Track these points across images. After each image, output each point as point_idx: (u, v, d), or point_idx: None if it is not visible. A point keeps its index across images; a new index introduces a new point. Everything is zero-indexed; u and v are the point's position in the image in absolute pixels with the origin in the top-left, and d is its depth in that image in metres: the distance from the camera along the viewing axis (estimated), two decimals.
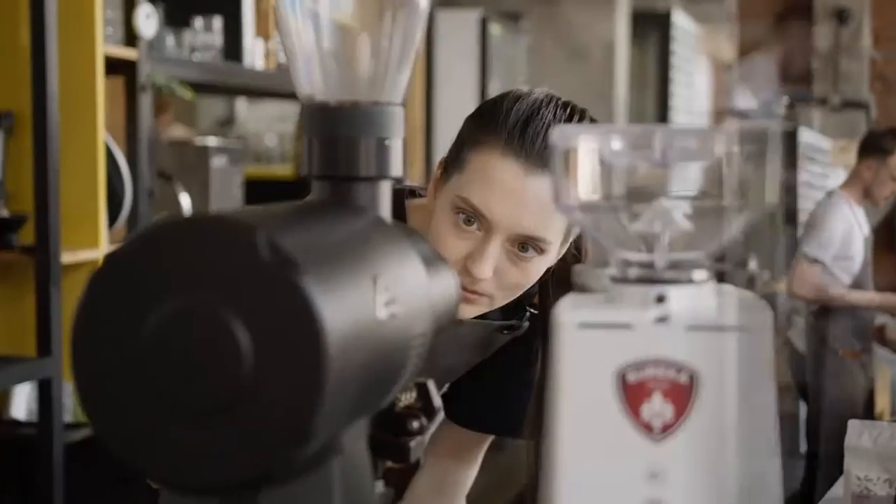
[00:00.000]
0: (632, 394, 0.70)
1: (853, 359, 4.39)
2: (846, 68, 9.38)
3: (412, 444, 0.82)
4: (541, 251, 1.26)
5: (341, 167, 0.84)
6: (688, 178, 0.76)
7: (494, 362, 1.44)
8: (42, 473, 2.42)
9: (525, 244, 1.25)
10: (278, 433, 0.63)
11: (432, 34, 4.74)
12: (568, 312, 0.73)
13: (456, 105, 5.32)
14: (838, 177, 8.43)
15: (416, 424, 0.83)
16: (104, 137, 2.59)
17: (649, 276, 0.73)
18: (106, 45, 2.62)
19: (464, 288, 1.25)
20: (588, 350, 0.72)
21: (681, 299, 0.72)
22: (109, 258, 0.65)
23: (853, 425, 2.00)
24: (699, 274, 0.73)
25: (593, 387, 0.71)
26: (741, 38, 9.87)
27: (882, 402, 4.74)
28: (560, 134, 0.74)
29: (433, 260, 0.89)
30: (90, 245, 2.58)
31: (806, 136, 7.12)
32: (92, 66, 2.54)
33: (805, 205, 7.18)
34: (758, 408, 0.70)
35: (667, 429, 0.70)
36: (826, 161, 7.69)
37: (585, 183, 0.75)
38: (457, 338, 1.40)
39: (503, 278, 1.26)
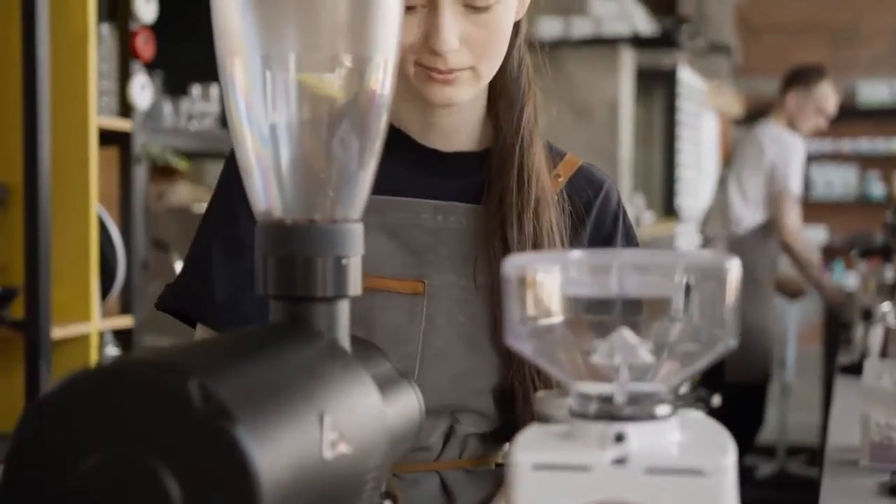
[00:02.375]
0: None
1: (770, 288, 4.45)
2: (711, 11, 9.44)
3: None
4: None
5: (298, 287, 0.81)
6: (650, 309, 0.73)
7: None
8: None
9: None
10: None
11: None
12: (524, 451, 0.70)
13: None
14: (710, 117, 8.55)
15: None
16: (97, 209, 2.58)
17: (608, 412, 0.70)
18: (100, 117, 2.61)
19: (438, 70, 1.16)
20: (544, 492, 0.69)
21: (641, 436, 0.69)
22: (38, 406, 0.62)
23: (871, 365, 1.80)
24: (661, 409, 0.71)
25: None
26: (748, 92, 9.93)
27: None
28: (512, 263, 0.71)
29: (392, 380, 0.86)
30: (82, 319, 2.56)
31: (683, 75, 7.17)
32: (85, 138, 2.53)
33: (683, 145, 7.27)
34: None
35: None
36: (699, 101, 7.79)
37: (539, 312, 0.72)
38: None
39: (472, 43, 1.16)
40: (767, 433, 6.12)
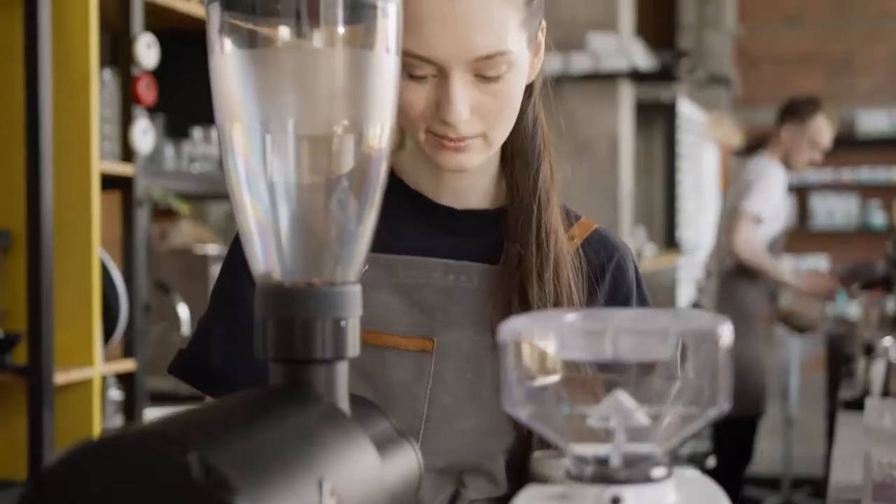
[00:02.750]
0: None
1: (765, 323, 4.38)
2: (710, 43, 9.50)
3: None
4: (508, 65, 1.14)
5: (297, 350, 0.82)
6: (644, 372, 0.74)
7: None
8: None
9: (486, 65, 1.12)
10: None
11: None
12: None
13: None
14: (710, 149, 8.61)
15: None
16: (99, 254, 2.59)
17: (604, 475, 0.71)
18: (103, 162, 2.63)
19: (450, 138, 1.15)
20: None
21: (638, 499, 0.70)
22: (39, 477, 0.63)
23: (872, 404, 1.80)
24: (657, 471, 0.71)
25: None
26: (748, 122, 9.97)
27: None
28: (508, 328, 0.72)
29: (391, 440, 0.86)
30: (85, 363, 2.56)
31: (683, 108, 7.20)
32: (88, 183, 2.55)
33: (683, 177, 7.30)
34: None
35: None
36: (699, 132, 7.83)
37: (535, 375, 0.73)
38: None
39: (483, 111, 1.15)
40: (772, 465, 6.10)
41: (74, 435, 2.56)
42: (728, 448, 4.41)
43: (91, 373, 2.57)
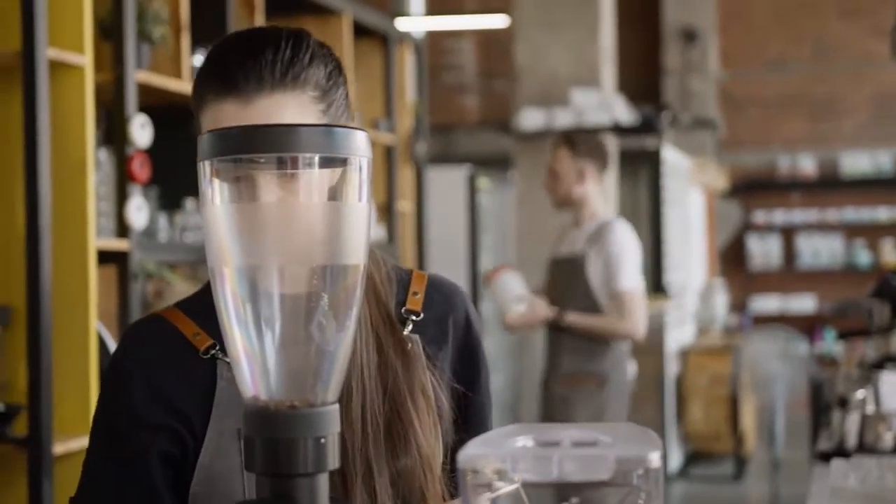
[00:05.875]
0: None
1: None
2: (695, 87, 9.65)
3: None
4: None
5: (282, 466, 0.92)
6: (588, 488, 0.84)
7: None
8: None
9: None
10: None
11: (422, 189, 4.89)
12: None
13: (447, 256, 5.46)
14: (696, 192, 8.72)
15: None
16: (96, 327, 2.68)
17: None
18: (99, 239, 2.73)
19: None
20: None
21: None
22: None
23: (838, 465, 1.88)
24: None
25: None
26: (733, 165, 10.12)
27: None
28: (464, 456, 0.82)
29: None
30: (83, 433, 2.65)
31: (667, 154, 7.30)
32: (85, 259, 2.65)
33: (669, 222, 7.37)
34: None
35: None
36: (684, 177, 7.93)
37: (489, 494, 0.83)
38: None
39: None
40: None
41: None
42: None
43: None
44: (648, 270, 7.50)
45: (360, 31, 4.43)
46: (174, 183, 3.17)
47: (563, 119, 5.45)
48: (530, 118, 5.45)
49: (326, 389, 0.95)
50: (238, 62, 1.20)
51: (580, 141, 3.97)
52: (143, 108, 2.95)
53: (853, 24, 10.09)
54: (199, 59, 3.26)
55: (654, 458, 0.80)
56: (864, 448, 2.81)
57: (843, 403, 3.43)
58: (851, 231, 10.22)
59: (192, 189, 3.24)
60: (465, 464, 0.82)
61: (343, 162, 0.93)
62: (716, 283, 9.13)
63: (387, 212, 4.54)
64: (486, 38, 9.82)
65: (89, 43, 2.71)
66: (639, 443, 0.83)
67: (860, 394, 3.18)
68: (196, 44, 3.26)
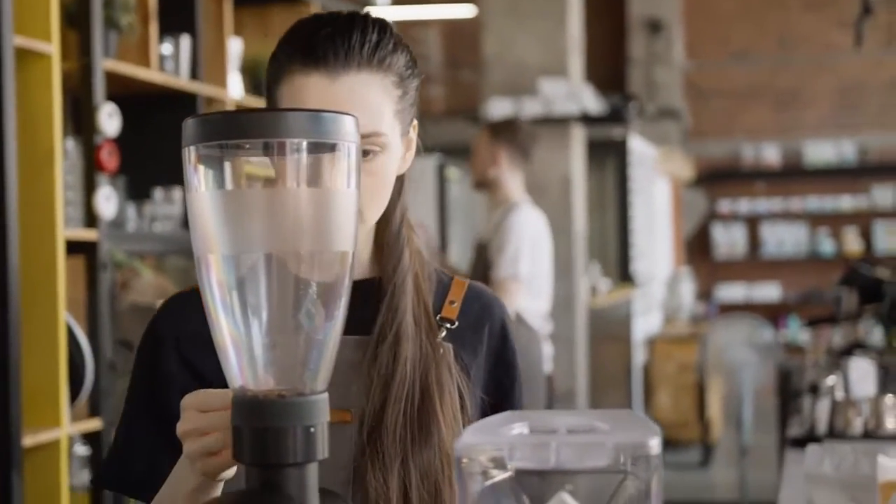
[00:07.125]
0: None
1: None
2: (660, 78, 9.71)
3: None
4: (382, 147, 1.23)
5: (270, 456, 0.91)
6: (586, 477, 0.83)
7: None
8: None
9: (363, 143, 1.14)
10: None
11: None
12: None
13: None
14: (662, 182, 8.78)
15: None
16: (65, 318, 2.65)
17: None
18: (67, 229, 2.69)
19: None
20: None
21: None
22: None
23: (813, 450, 1.87)
24: None
25: None
26: (698, 154, 10.16)
27: None
28: (461, 445, 0.81)
29: None
30: (52, 425, 2.62)
31: (634, 144, 7.34)
32: (53, 250, 2.61)
33: (636, 212, 7.41)
34: None
35: None
36: (651, 166, 7.98)
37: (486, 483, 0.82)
38: None
39: (360, 188, 1.18)
40: (728, 492, 6.22)
41: (43, 495, 2.61)
42: None
43: (58, 434, 2.62)
44: (615, 260, 7.53)
45: None
46: (143, 172, 3.14)
47: (532, 108, 5.45)
48: (498, 107, 5.44)
49: (315, 378, 0.93)
50: (328, 38, 1.22)
51: (501, 127, 4.07)
52: (111, 96, 2.91)
53: (817, 15, 10.15)
54: (167, 48, 3.23)
55: (654, 445, 0.79)
56: (835, 434, 2.83)
57: (814, 390, 3.46)
58: (815, 220, 10.29)
59: (161, 179, 3.22)
60: (462, 452, 0.81)
61: (331, 147, 0.92)
62: (682, 271, 9.18)
63: None
64: (452, 28, 9.79)
65: (56, 31, 2.67)
66: (637, 429, 0.82)
67: (830, 380, 3.20)
68: (164, 32, 3.23)
